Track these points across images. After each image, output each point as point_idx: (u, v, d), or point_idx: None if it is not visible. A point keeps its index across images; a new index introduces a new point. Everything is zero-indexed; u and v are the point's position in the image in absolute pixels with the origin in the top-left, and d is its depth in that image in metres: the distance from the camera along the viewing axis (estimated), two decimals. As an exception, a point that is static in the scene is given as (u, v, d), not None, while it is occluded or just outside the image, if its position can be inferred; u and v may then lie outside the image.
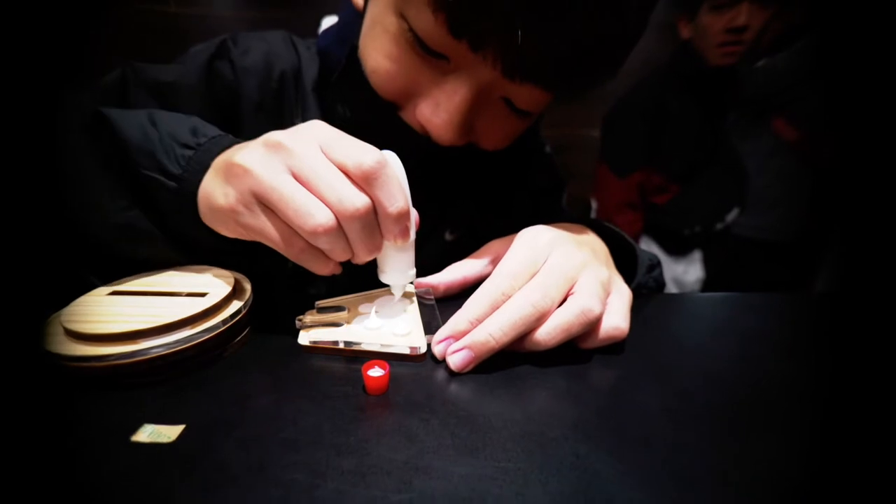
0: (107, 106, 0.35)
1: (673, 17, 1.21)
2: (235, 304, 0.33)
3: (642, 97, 1.26)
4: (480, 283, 0.33)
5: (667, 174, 1.27)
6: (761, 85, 1.25)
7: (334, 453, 0.23)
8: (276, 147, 0.29)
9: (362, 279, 0.38)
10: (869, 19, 1.08)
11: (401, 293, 0.36)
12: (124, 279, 0.34)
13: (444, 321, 0.32)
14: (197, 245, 0.36)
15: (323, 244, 0.29)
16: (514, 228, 0.38)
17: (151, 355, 0.28)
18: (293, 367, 0.31)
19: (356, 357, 0.32)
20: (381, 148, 0.32)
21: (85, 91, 0.45)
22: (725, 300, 0.47)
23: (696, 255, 1.33)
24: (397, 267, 0.34)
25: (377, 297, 0.38)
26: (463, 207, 0.54)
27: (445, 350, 0.31)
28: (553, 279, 0.32)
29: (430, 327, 0.34)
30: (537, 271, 0.33)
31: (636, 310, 0.36)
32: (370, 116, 0.43)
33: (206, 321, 0.30)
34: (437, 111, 0.39)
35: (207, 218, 0.32)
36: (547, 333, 0.31)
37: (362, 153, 0.29)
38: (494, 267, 0.34)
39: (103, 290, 0.33)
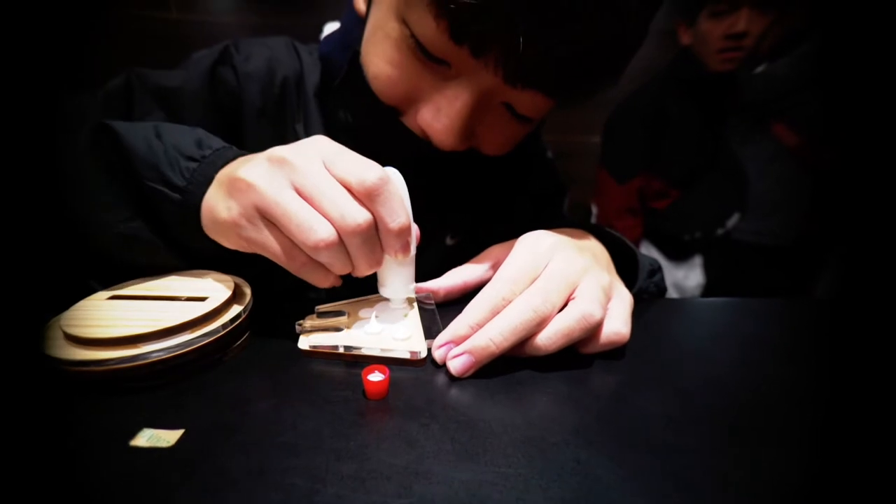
0: (111, 112, 0.35)
1: (673, 24, 1.22)
2: (235, 309, 0.33)
3: (642, 103, 1.27)
4: (481, 288, 0.33)
5: (667, 179, 1.27)
6: (761, 90, 1.25)
7: (334, 458, 0.23)
8: (280, 162, 0.29)
9: (362, 285, 0.38)
10: (869, 24, 1.09)
11: (401, 305, 0.37)
12: (124, 283, 0.34)
13: (445, 326, 0.32)
14: (199, 255, 0.36)
15: (324, 258, 0.29)
16: (514, 234, 0.38)
17: (151, 359, 0.28)
18: (293, 371, 0.31)
19: (356, 362, 0.32)
20: (382, 153, 0.32)
21: (88, 97, 0.45)
22: (726, 305, 0.47)
23: (697, 261, 1.33)
24: (397, 281, 0.35)
25: (377, 301, 0.38)
26: (464, 212, 0.54)
27: (446, 355, 0.31)
28: (554, 284, 0.32)
29: (431, 332, 0.34)
30: (538, 276, 0.32)
31: (637, 315, 0.36)
32: (372, 122, 0.43)
33: (206, 325, 0.30)
34: (439, 116, 0.39)
35: (210, 230, 0.32)
36: (548, 338, 0.31)
37: (365, 169, 0.29)
38: (495, 272, 0.34)
39: (103, 295, 0.33)
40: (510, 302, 0.31)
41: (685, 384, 0.31)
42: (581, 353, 0.33)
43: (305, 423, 0.26)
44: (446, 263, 0.41)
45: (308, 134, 0.48)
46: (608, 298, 0.34)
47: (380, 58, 0.40)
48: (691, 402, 0.29)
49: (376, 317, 0.35)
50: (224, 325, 0.31)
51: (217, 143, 0.35)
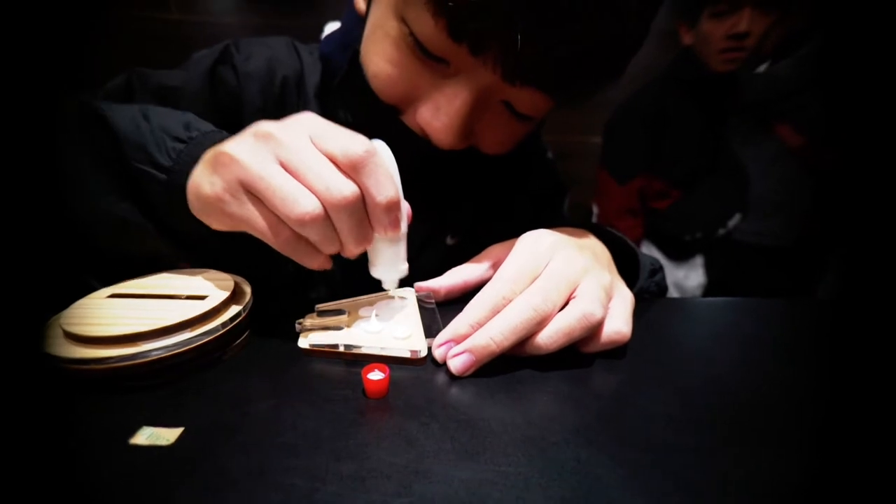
0: None
1: (674, 24, 1.21)
2: (235, 307, 0.32)
3: (643, 103, 1.27)
4: (481, 287, 0.33)
5: (668, 180, 1.27)
6: (762, 91, 1.25)
7: (334, 457, 0.23)
8: (265, 137, 0.29)
9: (362, 284, 0.38)
10: (871, 25, 1.09)
11: (393, 287, 0.36)
12: (123, 282, 0.34)
13: (445, 325, 0.32)
14: (189, 240, 0.35)
15: (311, 234, 0.29)
16: (515, 233, 0.38)
17: (151, 358, 0.28)
18: (293, 370, 0.31)
19: (356, 361, 0.32)
20: None
21: (87, 95, 0.45)
22: (727, 305, 0.47)
23: (698, 261, 1.33)
24: (388, 261, 0.34)
25: (378, 300, 0.38)
26: (464, 212, 0.54)
27: (446, 354, 0.31)
28: (554, 283, 0.32)
29: (431, 331, 0.34)
30: (538, 275, 0.32)
31: (638, 314, 0.36)
32: (371, 120, 0.43)
33: (205, 324, 0.30)
34: (438, 115, 0.39)
35: (196, 209, 0.32)
36: (548, 337, 0.31)
37: (351, 141, 0.28)
38: (495, 271, 0.33)
39: (103, 293, 0.33)
40: (511, 301, 0.31)
41: (686, 384, 0.31)
42: (582, 352, 0.33)
43: (305, 421, 0.26)
44: (446, 263, 0.41)
45: None
46: (609, 298, 0.34)
47: (379, 56, 0.40)
48: (692, 402, 0.29)
49: (376, 315, 0.35)
50: (224, 324, 0.31)
51: (207, 126, 0.35)
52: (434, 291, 0.39)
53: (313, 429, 0.25)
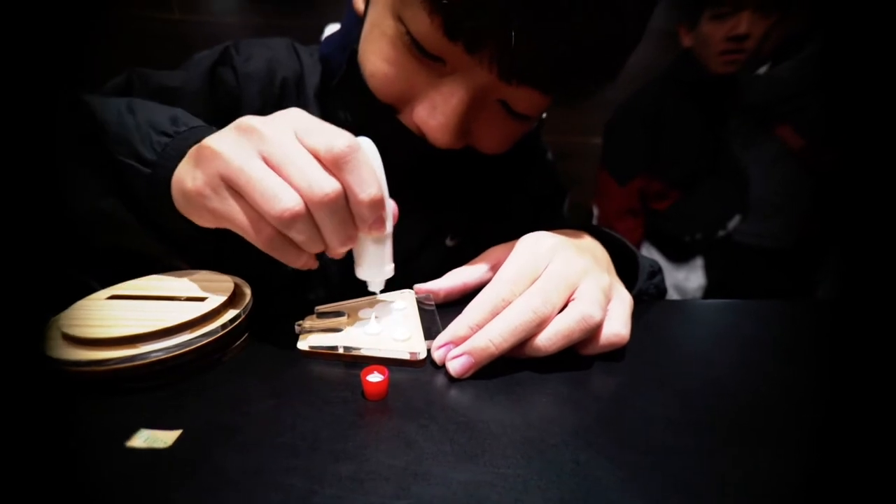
0: None
1: (674, 26, 1.22)
2: (235, 309, 0.32)
3: (643, 104, 1.27)
4: (481, 289, 0.33)
5: (667, 181, 1.27)
6: (763, 93, 1.25)
7: (332, 459, 0.23)
8: (249, 131, 0.29)
9: (361, 285, 0.38)
10: (871, 27, 1.09)
11: (378, 289, 0.35)
12: (123, 283, 0.34)
13: (444, 327, 0.32)
14: (175, 237, 0.35)
15: (293, 233, 0.28)
16: (514, 235, 0.38)
17: (150, 360, 0.28)
18: (292, 372, 0.31)
19: (355, 362, 0.32)
20: (381, 152, 0.31)
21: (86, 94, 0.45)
22: (727, 307, 0.47)
23: (698, 262, 1.33)
24: (373, 261, 0.33)
25: (377, 302, 0.38)
26: (463, 213, 0.54)
27: (445, 355, 0.31)
28: (554, 285, 0.32)
29: (430, 333, 0.34)
30: (538, 277, 0.32)
31: (637, 316, 0.36)
32: (369, 120, 0.43)
33: (205, 326, 0.30)
34: (434, 114, 0.39)
35: (181, 205, 0.32)
36: (547, 339, 0.31)
37: (334, 137, 0.28)
38: (495, 273, 0.34)
39: (102, 294, 0.33)
40: (510, 303, 0.31)
41: (685, 386, 0.31)
42: (581, 354, 0.33)
43: (304, 423, 0.26)
44: (446, 264, 0.41)
45: None
46: (608, 300, 0.34)
47: (376, 55, 0.40)
48: (691, 404, 0.29)
49: (376, 317, 0.35)
50: (223, 326, 0.31)
51: (195, 122, 0.34)
52: (433, 293, 0.39)
53: (312, 430, 0.25)
